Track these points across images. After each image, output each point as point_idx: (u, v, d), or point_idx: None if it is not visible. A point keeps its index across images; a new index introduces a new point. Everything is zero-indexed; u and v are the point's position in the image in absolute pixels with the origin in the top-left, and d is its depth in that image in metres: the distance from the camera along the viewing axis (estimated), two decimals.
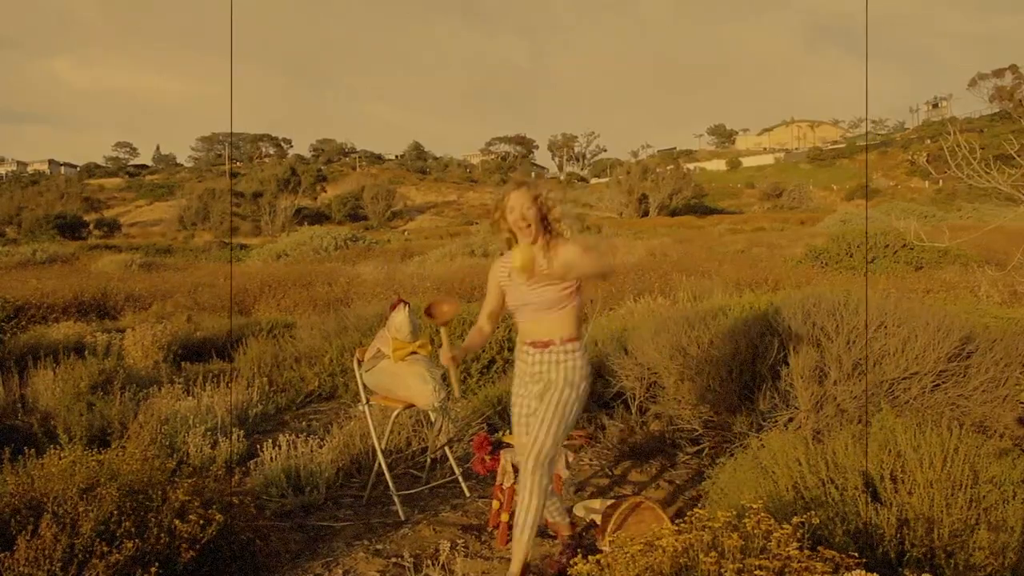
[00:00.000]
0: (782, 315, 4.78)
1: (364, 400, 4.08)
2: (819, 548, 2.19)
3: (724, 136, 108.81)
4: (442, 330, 3.10)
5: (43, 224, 38.82)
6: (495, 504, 3.65)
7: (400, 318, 3.94)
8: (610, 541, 3.17)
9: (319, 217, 51.64)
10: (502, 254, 3.09)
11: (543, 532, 3.67)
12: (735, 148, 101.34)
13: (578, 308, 2.98)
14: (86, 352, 6.69)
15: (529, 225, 2.88)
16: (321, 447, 4.50)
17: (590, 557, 2.33)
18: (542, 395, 2.97)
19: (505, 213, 2.93)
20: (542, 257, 2.89)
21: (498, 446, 3.64)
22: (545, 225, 2.92)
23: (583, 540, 3.56)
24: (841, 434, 3.15)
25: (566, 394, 2.94)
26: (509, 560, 3.30)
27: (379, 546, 3.53)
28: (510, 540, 3.50)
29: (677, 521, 2.53)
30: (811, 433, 3.53)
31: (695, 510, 2.38)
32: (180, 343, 7.93)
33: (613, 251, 3.06)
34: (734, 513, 2.34)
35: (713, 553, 2.14)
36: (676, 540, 2.22)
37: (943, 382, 4.06)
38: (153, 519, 2.81)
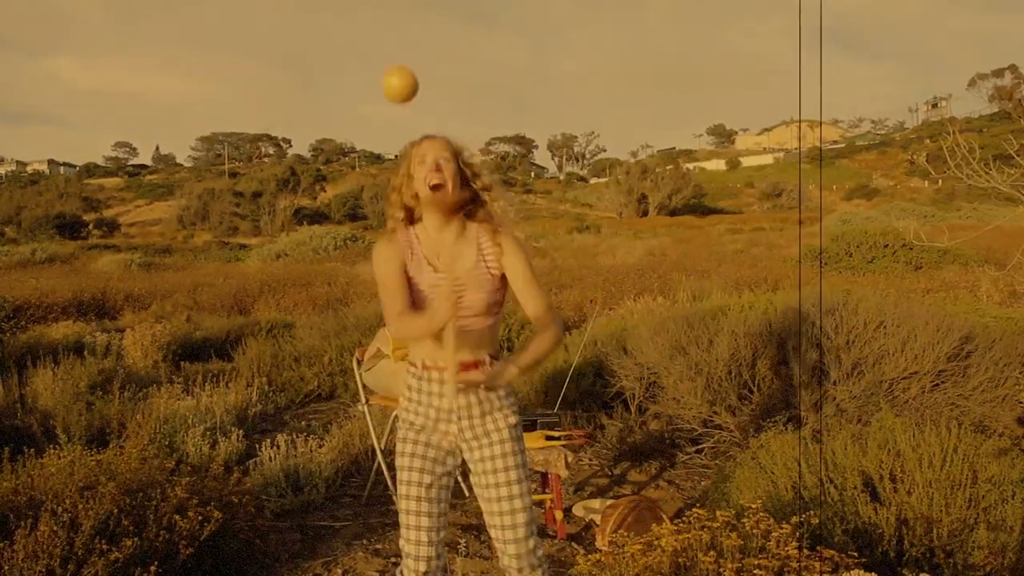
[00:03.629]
0: (781, 315, 4.78)
1: (364, 400, 4.08)
2: (818, 548, 2.19)
3: (724, 136, 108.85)
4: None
5: (42, 224, 38.82)
6: None
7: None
8: (610, 541, 3.17)
9: (318, 217, 51.63)
10: (393, 230, 2.16)
11: (542, 532, 3.67)
12: (735, 148, 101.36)
13: (501, 313, 2.20)
14: (85, 352, 6.68)
15: (444, 183, 2.04)
16: (320, 447, 4.50)
17: (590, 557, 2.33)
18: (476, 446, 2.13)
19: (411, 167, 2.09)
20: (460, 243, 2.12)
21: None
22: (470, 195, 2.12)
23: (583, 540, 3.57)
24: (840, 434, 3.15)
25: (517, 430, 2.16)
26: None
27: (378, 546, 3.53)
28: None
29: (676, 521, 2.53)
30: (811, 433, 3.53)
31: (694, 510, 2.38)
32: (179, 343, 7.93)
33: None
34: (733, 513, 2.34)
35: (712, 553, 2.14)
36: (675, 540, 2.22)
37: (942, 382, 4.07)
38: (152, 516, 2.81)
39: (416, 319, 2.01)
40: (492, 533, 2.16)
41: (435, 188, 2.04)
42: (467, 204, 2.13)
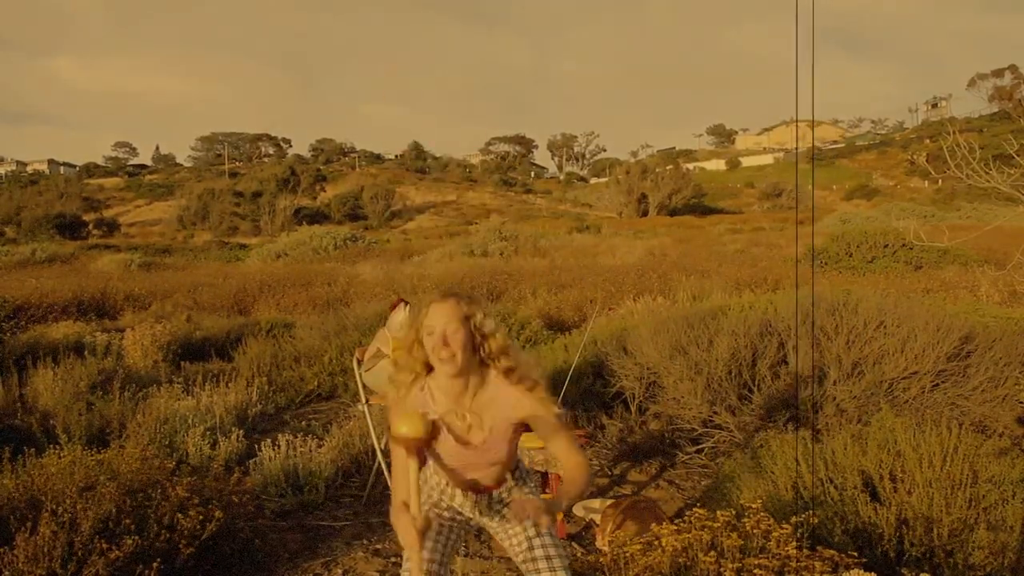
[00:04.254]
0: (781, 315, 4.79)
1: (364, 400, 4.08)
2: (818, 547, 2.19)
3: (723, 136, 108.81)
4: (411, 464, 1.94)
5: (42, 224, 38.81)
6: None
7: (400, 318, 3.94)
8: (609, 541, 3.17)
9: (318, 217, 51.61)
10: (419, 385, 2.10)
11: None
12: (734, 148, 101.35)
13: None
14: (85, 352, 6.69)
15: (454, 354, 1.97)
16: (320, 447, 4.50)
17: (590, 557, 2.33)
18: (500, 525, 2.17)
19: (420, 335, 2.03)
20: (469, 406, 2.05)
21: None
22: (480, 358, 2.04)
23: (583, 540, 3.57)
24: (840, 434, 3.15)
25: (540, 505, 1.97)
26: (509, 560, 3.30)
27: (378, 546, 3.53)
28: None
29: (676, 521, 2.53)
30: (810, 433, 3.53)
31: (695, 510, 2.38)
32: (179, 343, 7.93)
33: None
34: (733, 513, 2.34)
35: (712, 552, 2.14)
36: (675, 539, 2.22)
37: (942, 382, 4.07)
38: (153, 516, 2.81)
39: (400, 524, 1.92)
40: None
41: (444, 361, 1.99)
42: (480, 364, 2.07)
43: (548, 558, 2.10)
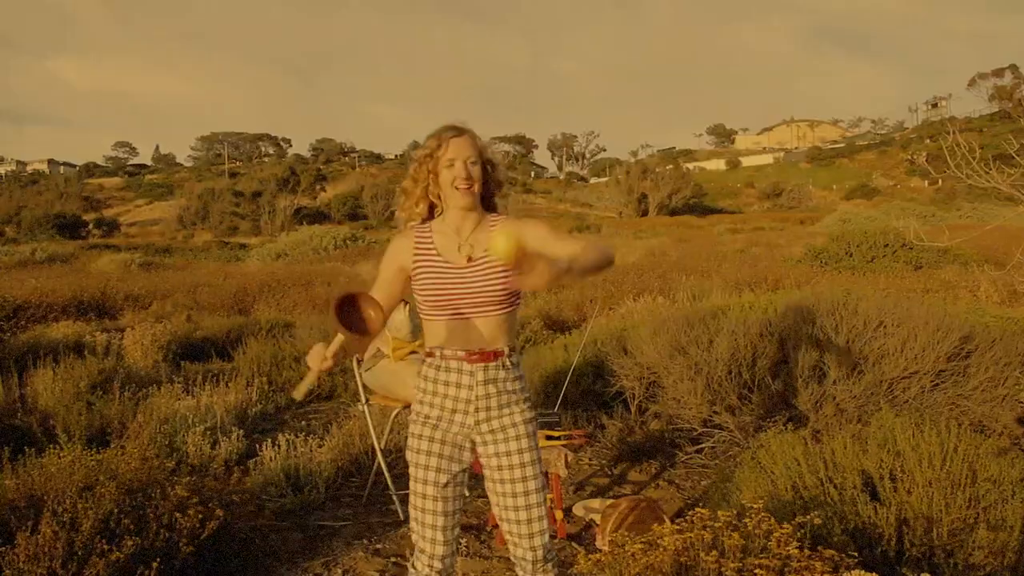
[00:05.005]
0: (781, 315, 4.79)
1: (364, 400, 4.08)
2: (819, 547, 2.19)
3: (724, 136, 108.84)
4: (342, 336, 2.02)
5: (42, 223, 38.80)
6: None
7: (399, 318, 3.94)
8: (610, 540, 3.17)
9: (318, 217, 51.59)
10: (411, 225, 2.18)
11: None
12: (735, 148, 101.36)
13: (518, 310, 2.18)
14: (85, 352, 6.68)
15: (472, 186, 2.08)
16: (320, 447, 4.50)
17: (590, 556, 2.33)
18: (492, 439, 2.11)
19: (439, 166, 2.09)
20: (467, 237, 2.12)
21: None
22: (486, 193, 2.17)
23: (583, 540, 3.57)
24: (840, 434, 3.15)
25: (533, 425, 2.16)
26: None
27: (379, 545, 3.53)
28: None
29: (678, 520, 2.53)
30: (811, 433, 3.53)
31: (696, 509, 2.38)
32: (180, 343, 7.93)
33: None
34: (734, 512, 2.34)
35: (714, 552, 2.14)
36: (676, 539, 2.22)
37: (942, 382, 4.07)
38: (152, 515, 2.81)
39: (315, 352, 2.08)
40: (505, 527, 2.16)
41: (464, 191, 2.07)
42: (486, 198, 2.18)
43: (526, 493, 2.11)
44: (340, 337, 2.03)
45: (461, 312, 2.06)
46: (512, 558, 2.20)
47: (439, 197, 2.13)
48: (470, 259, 2.08)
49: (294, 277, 13.90)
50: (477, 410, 2.09)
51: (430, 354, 2.13)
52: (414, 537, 2.14)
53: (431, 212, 2.18)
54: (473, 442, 2.14)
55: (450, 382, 2.09)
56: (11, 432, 4.51)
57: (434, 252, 2.10)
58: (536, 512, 2.12)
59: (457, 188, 2.06)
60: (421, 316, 2.15)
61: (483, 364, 2.07)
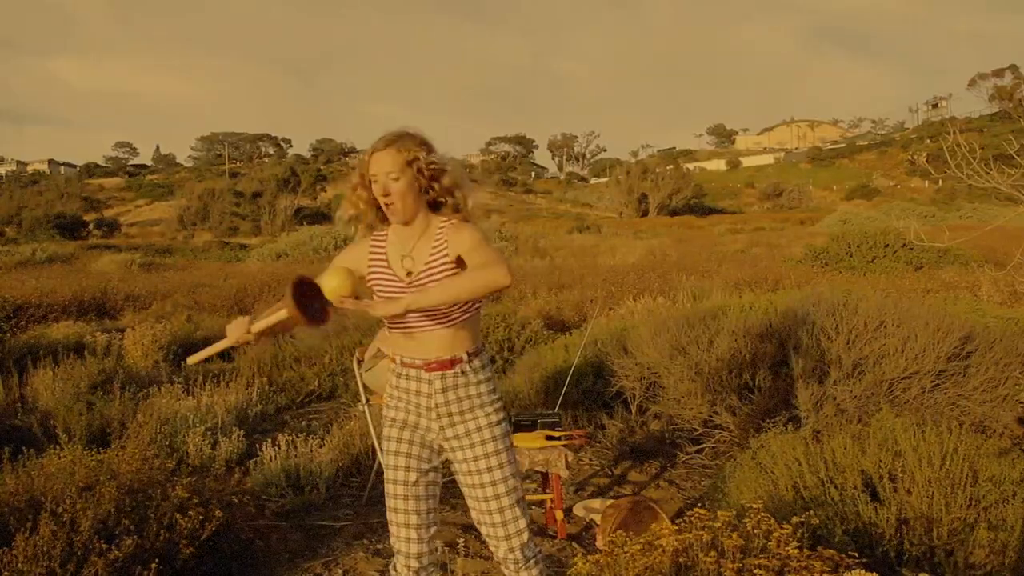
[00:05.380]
0: (782, 315, 4.78)
1: (364, 400, 4.08)
2: (818, 548, 2.19)
3: (724, 136, 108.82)
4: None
5: (43, 224, 38.77)
6: None
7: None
8: (610, 541, 3.17)
9: (319, 217, 51.55)
10: (371, 228, 2.14)
11: (543, 532, 3.67)
12: (735, 148, 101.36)
13: (480, 309, 2.15)
14: (86, 352, 6.68)
15: (392, 203, 2.01)
16: (321, 447, 4.50)
17: (590, 557, 2.33)
18: (458, 446, 2.10)
19: (363, 182, 2.06)
20: (412, 248, 2.07)
21: None
22: (433, 199, 2.07)
23: (583, 540, 3.57)
24: (840, 434, 3.15)
25: (501, 428, 2.13)
26: None
27: (379, 545, 3.53)
28: None
29: (677, 521, 2.53)
30: (811, 433, 3.53)
31: (695, 510, 2.38)
32: (180, 343, 7.92)
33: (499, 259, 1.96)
34: (734, 513, 2.34)
35: (713, 552, 2.14)
36: (676, 539, 2.22)
37: (943, 382, 4.07)
38: (152, 515, 2.81)
39: (235, 324, 2.00)
40: (483, 531, 2.17)
41: (388, 208, 2.03)
42: (433, 203, 2.08)
43: (497, 497, 2.10)
44: (277, 316, 1.91)
45: (410, 326, 2.04)
46: (495, 559, 2.21)
47: (374, 207, 2.09)
48: (409, 274, 2.05)
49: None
50: (439, 416, 2.09)
51: (393, 359, 2.14)
52: (392, 540, 2.15)
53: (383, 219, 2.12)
54: (441, 447, 2.15)
55: (411, 389, 2.10)
56: (11, 432, 4.51)
57: (384, 263, 2.09)
58: (509, 514, 2.12)
59: (385, 206, 2.03)
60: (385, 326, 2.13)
61: (440, 372, 2.06)
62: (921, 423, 3.01)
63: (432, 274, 2.02)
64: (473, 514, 2.18)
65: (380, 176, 2.01)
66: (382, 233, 2.13)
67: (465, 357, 2.08)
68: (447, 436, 2.11)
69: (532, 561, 2.18)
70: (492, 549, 2.18)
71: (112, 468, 3.09)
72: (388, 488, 2.13)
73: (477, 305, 2.10)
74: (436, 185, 2.05)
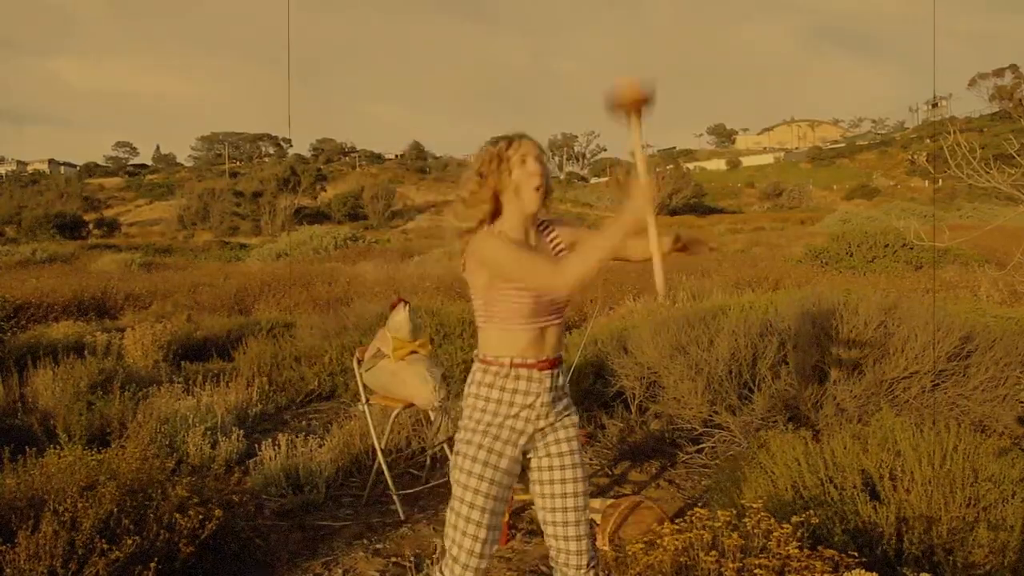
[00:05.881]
0: (782, 315, 4.79)
1: (364, 400, 4.08)
2: (819, 547, 2.19)
3: (724, 136, 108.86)
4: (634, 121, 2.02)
5: (43, 223, 38.77)
6: None
7: (400, 317, 3.94)
8: (610, 540, 3.17)
9: (319, 217, 51.61)
10: (466, 228, 2.10)
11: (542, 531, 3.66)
12: (735, 148, 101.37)
13: None
14: (86, 351, 6.68)
15: (544, 185, 2.07)
16: (321, 446, 4.50)
17: None
18: (551, 430, 2.11)
19: (512, 164, 2.04)
20: (541, 243, 2.15)
21: None
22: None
23: None
24: (841, 434, 3.15)
25: (577, 431, 2.20)
26: (508, 559, 3.31)
27: (379, 545, 3.53)
28: (510, 539, 3.51)
29: (677, 520, 2.53)
30: (811, 433, 3.53)
31: (696, 509, 2.38)
32: (180, 342, 7.92)
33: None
34: (734, 512, 2.34)
35: (713, 552, 2.14)
36: (676, 539, 2.22)
37: (943, 382, 4.07)
38: (153, 515, 2.81)
39: (598, 237, 2.01)
40: (551, 530, 2.13)
41: (538, 190, 2.05)
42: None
43: (576, 485, 2.12)
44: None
45: (548, 318, 2.07)
46: (553, 564, 2.16)
47: (512, 194, 2.06)
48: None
49: (295, 277, 13.89)
50: (547, 415, 2.09)
51: (489, 362, 2.07)
52: (454, 549, 2.05)
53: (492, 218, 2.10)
54: (534, 438, 2.12)
55: (518, 390, 2.06)
56: (11, 432, 4.51)
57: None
58: (584, 515, 2.14)
59: (533, 189, 2.05)
60: (498, 327, 2.07)
61: (550, 371, 2.08)
62: (921, 423, 3.01)
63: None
64: (543, 514, 2.15)
65: (532, 159, 2.05)
66: (499, 232, 2.07)
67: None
68: (546, 438, 2.12)
69: (593, 568, 2.15)
70: (554, 553, 2.15)
71: (112, 468, 3.09)
72: (467, 496, 2.03)
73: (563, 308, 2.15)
74: (549, 184, 2.12)
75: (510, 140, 2.07)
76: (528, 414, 2.07)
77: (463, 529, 2.03)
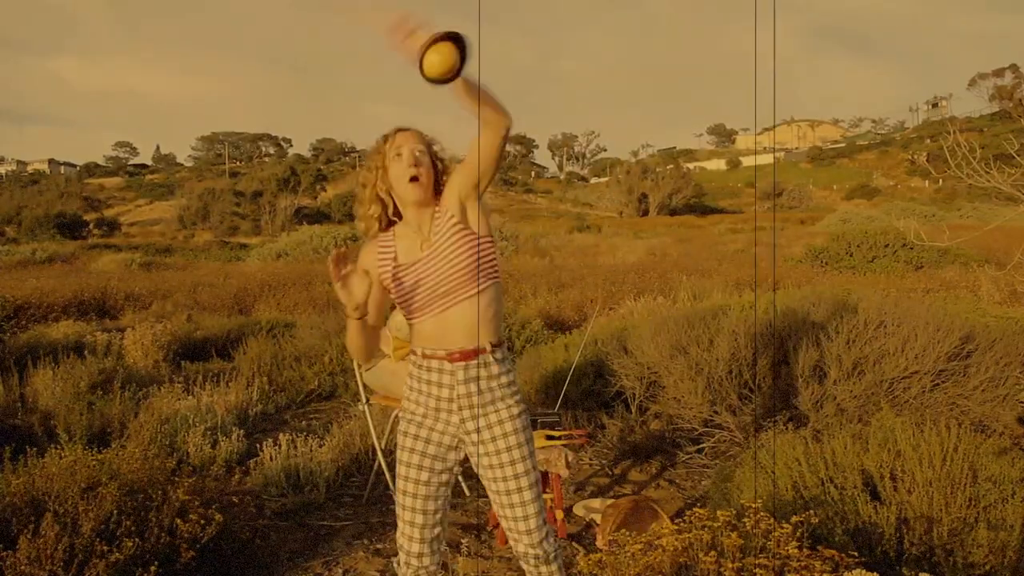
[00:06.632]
0: (782, 314, 4.78)
1: (364, 399, 4.09)
2: (818, 547, 2.19)
3: (724, 135, 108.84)
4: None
5: (43, 223, 38.78)
6: None
7: (400, 317, 3.94)
8: (610, 540, 3.18)
9: (319, 217, 51.56)
10: (372, 234, 2.14)
11: None
12: (735, 147, 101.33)
13: (500, 295, 2.14)
14: (86, 351, 6.69)
15: (420, 176, 2.03)
16: (321, 446, 4.50)
17: (590, 557, 2.33)
18: (480, 439, 2.10)
19: (387, 160, 2.06)
20: (426, 235, 2.07)
21: None
22: (437, 187, 2.10)
23: (583, 540, 3.57)
24: (841, 433, 3.15)
25: (522, 420, 2.12)
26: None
27: (379, 545, 3.53)
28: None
29: (677, 520, 2.53)
30: (811, 433, 3.53)
31: (695, 509, 2.38)
32: (180, 342, 7.93)
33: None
34: (734, 512, 2.34)
35: (713, 552, 2.14)
36: (676, 539, 2.22)
37: (943, 382, 4.07)
38: (154, 518, 2.82)
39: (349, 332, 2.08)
40: (504, 524, 2.16)
41: (413, 180, 2.03)
42: (436, 193, 2.10)
43: (520, 490, 2.09)
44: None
45: (434, 306, 2.04)
46: (516, 555, 2.21)
47: (390, 197, 2.09)
48: (427, 246, 2.06)
49: (295, 277, 13.90)
50: (460, 408, 2.07)
51: (413, 352, 2.13)
52: (397, 536, 2.16)
53: (390, 219, 2.13)
54: (461, 441, 2.13)
55: (432, 381, 2.08)
56: (12, 432, 4.52)
57: (394, 259, 2.10)
58: (532, 508, 2.11)
59: (408, 180, 2.02)
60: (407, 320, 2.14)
61: (463, 363, 2.05)
62: (921, 423, 3.01)
63: (444, 237, 2.03)
64: (495, 508, 2.16)
65: (407, 150, 2.05)
66: (387, 235, 2.13)
67: (488, 348, 2.06)
68: (468, 429, 2.09)
69: (553, 555, 2.18)
70: (513, 544, 2.17)
71: (113, 468, 3.09)
72: (399, 484, 2.12)
73: (496, 277, 2.09)
74: (444, 169, 2.10)
75: (385, 137, 2.09)
76: (450, 406, 2.08)
77: (399, 515, 2.13)
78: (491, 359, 2.07)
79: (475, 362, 2.05)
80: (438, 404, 2.09)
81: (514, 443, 2.10)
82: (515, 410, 2.12)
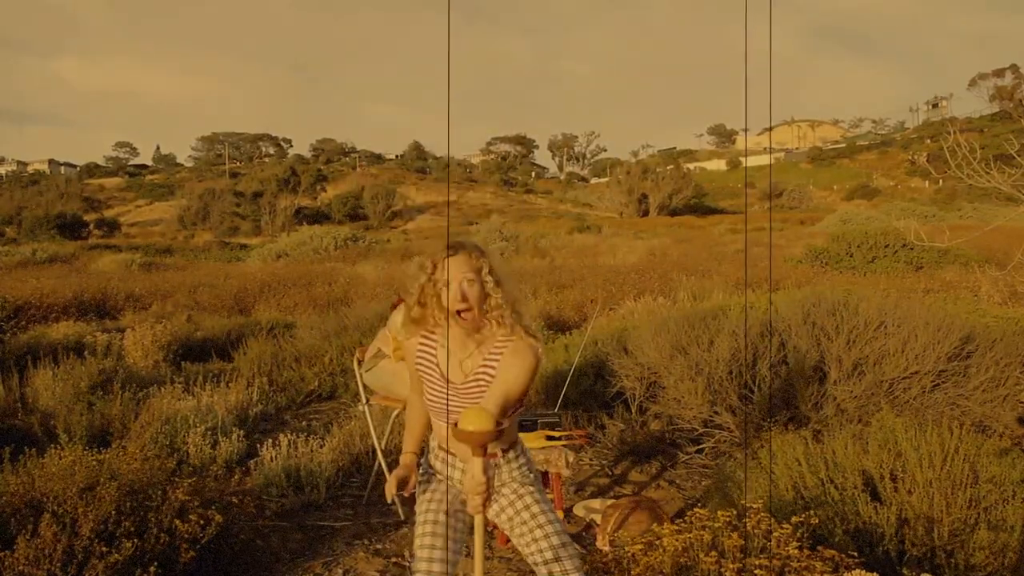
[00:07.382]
0: (782, 315, 4.78)
1: (364, 400, 4.08)
2: (819, 548, 2.19)
3: (724, 136, 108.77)
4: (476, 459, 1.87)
5: (43, 224, 38.76)
6: None
7: (400, 318, 3.93)
8: (610, 541, 3.17)
9: (319, 217, 51.56)
10: (415, 320, 2.13)
11: None
12: (735, 148, 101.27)
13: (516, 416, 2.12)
14: (86, 352, 6.68)
15: (470, 308, 2.00)
16: (321, 447, 4.50)
17: (591, 557, 2.33)
18: (497, 507, 2.14)
19: (438, 288, 2.03)
20: (477, 357, 2.07)
21: None
22: (485, 309, 2.05)
23: (584, 540, 3.56)
24: (841, 434, 3.15)
25: (533, 483, 2.16)
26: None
27: (379, 546, 3.53)
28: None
29: (677, 521, 2.53)
30: (811, 433, 3.53)
31: (695, 510, 2.38)
32: (180, 343, 7.93)
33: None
34: (734, 513, 2.34)
35: (713, 553, 2.14)
36: (676, 540, 2.22)
37: (943, 382, 4.07)
38: (153, 519, 2.81)
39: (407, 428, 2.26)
40: (537, 571, 2.12)
41: (460, 313, 2.01)
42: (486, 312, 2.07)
43: (542, 527, 2.07)
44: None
45: (452, 418, 2.02)
46: (529, 563, 2.17)
47: (433, 310, 2.07)
48: (466, 375, 2.07)
49: (295, 277, 13.90)
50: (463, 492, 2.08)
51: (440, 447, 2.19)
52: (415, 562, 2.15)
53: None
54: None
55: (445, 472, 2.18)
56: (11, 432, 4.52)
57: (434, 364, 2.10)
58: (564, 552, 2.06)
59: (455, 311, 2.00)
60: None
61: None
62: (921, 423, 3.01)
63: (479, 383, 2.05)
64: (528, 560, 2.14)
65: (457, 281, 2.00)
66: (433, 333, 2.12)
67: (499, 453, 2.12)
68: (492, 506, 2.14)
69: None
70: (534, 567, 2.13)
71: (113, 468, 3.09)
72: (418, 516, 2.16)
73: (519, 409, 2.09)
74: (491, 299, 2.03)
75: (434, 264, 2.05)
76: (452, 486, 2.16)
77: (417, 543, 2.16)
78: (501, 460, 2.13)
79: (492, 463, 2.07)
80: (450, 484, 2.18)
81: (531, 501, 2.10)
82: (527, 479, 2.15)
